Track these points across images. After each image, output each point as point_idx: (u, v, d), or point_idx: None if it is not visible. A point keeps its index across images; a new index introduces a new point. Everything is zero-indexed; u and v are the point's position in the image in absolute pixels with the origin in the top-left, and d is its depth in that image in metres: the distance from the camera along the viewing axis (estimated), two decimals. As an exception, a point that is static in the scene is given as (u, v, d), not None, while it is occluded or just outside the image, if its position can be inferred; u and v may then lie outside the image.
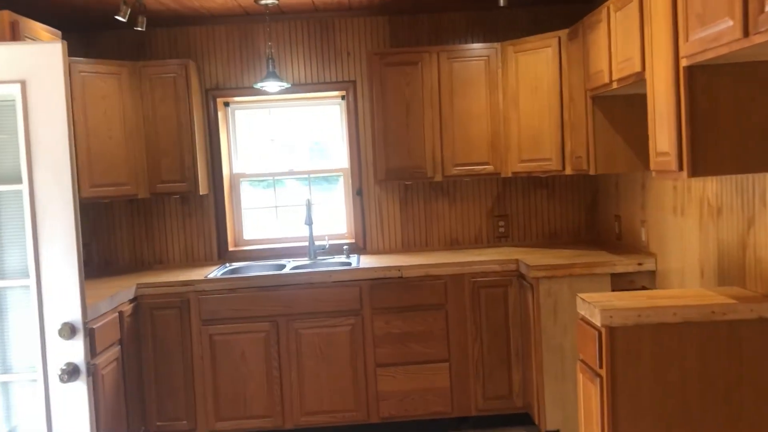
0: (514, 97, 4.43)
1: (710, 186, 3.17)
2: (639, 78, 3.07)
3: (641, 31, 2.99)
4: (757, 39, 1.94)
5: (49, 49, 2.56)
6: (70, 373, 2.56)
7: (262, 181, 5.07)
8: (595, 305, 2.76)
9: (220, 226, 4.86)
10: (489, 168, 4.52)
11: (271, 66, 4.41)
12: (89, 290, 3.94)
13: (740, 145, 2.48)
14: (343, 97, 4.90)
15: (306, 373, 4.23)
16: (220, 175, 4.84)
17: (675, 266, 3.62)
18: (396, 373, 4.25)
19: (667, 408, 2.66)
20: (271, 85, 4.43)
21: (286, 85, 4.49)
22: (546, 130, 4.26)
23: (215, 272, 4.46)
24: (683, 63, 2.49)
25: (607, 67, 3.46)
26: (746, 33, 1.99)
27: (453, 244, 4.91)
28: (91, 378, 2.62)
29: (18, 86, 2.55)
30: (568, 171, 4.20)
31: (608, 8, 3.42)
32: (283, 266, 4.62)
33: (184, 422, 4.20)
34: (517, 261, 4.23)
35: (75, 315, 2.60)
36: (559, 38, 4.17)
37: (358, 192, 4.88)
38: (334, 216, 5.05)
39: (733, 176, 2.94)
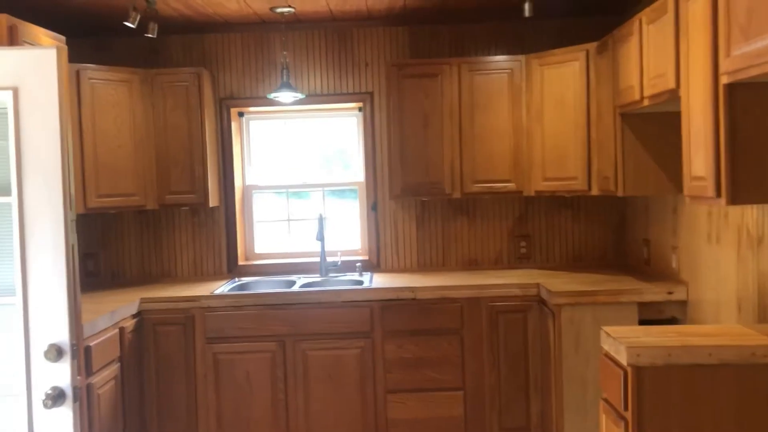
0: (538, 112, 4.22)
1: (750, 213, 2.93)
2: (673, 95, 2.86)
3: (676, 45, 2.78)
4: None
5: (42, 54, 2.42)
6: (55, 398, 2.41)
7: (278, 193, 4.91)
8: (621, 341, 2.53)
9: (231, 239, 4.70)
10: (511, 186, 4.31)
11: (285, 76, 4.26)
12: (92, 304, 3.83)
13: (785, 171, 2.26)
14: (360, 109, 4.73)
15: (313, 396, 4.04)
16: (231, 186, 4.69)
17: (709, 297, 3.37)
18: (407, 400, 4.04)
19: (699, 458, 2.43)
20: (285, 96, 4.27)
21: (300, 95, 4.33)
22: (572, 147, 4.05)
23: (223, 287, 4.30)
24: (723, 80, 2.27)
25: (638, 83, 3.25)
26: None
27: (471, 264, 4.70)
28: (77, 404, 2.47)
29: (9, 93, 2.42)
30: (595, 191, 3.98)
31: (640, 20, 3.21)
32: (293, 283, 4.45)
33: (186, 444, 4.04)
34: (538, 285, 4.01)
35: (63, 336, 2.46)
36: (587, 51, 3.96)
37: (373, 207, 4.70)
38: (347, 231, 4.87)
39: (775, 204, 2.71)
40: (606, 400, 2.72)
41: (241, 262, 4.74)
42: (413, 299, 4.03)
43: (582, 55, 3.98)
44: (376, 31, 4.63)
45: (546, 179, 4.21)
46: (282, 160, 4.91)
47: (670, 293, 3.65)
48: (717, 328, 2.80)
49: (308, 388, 4.04)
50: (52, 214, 2.43)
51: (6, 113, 2.41)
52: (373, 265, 4.71)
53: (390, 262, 4.71)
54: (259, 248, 4.88)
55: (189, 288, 4.32)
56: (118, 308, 3.75)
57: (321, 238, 4.51)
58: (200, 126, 4.32)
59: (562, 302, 3.69)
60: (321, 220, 4.51)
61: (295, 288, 4.30)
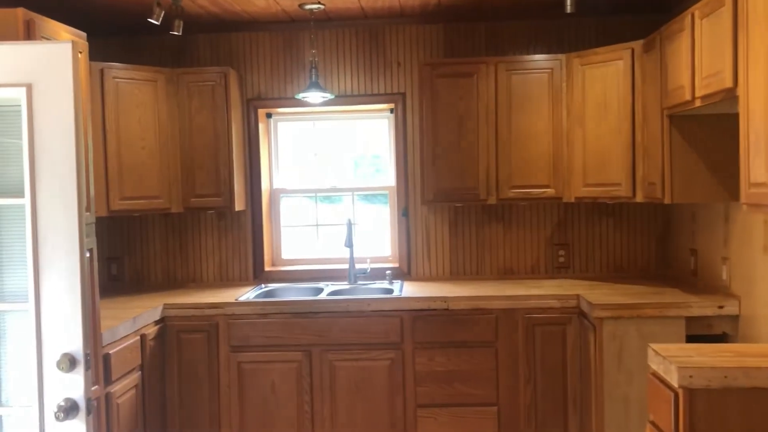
0: (579, 114, 4.01)
1: (813, 223, 2.70)
2: (729, 95, 2.65)
3: (734, 40, 2.57)
4: None
5: (57, 48, 2.30)
6: (68, 410, 2.29)
7: (306, 197, 4.77)
8: (672, 360, 2.33)
9: (257, 244, 4.57)
10: (549, 192, 4.11)
11: (314, 76, 4.12)
12: (114, 309, 3.73)
13: None
14: (391, 110, 4.57)
15: (339, 409, 3.88)
16: (258, 190, 4.56)
17: (764, 313, 3.13)
18: (438, 415, 3.86)
19: (760, 492, 2.21)
20: (314, 96, 4.13)
21: (329, 96, 4.18)
22: (615, 151, 3.83)
23: (248, 294, 4.16)
24: (791, 77, 2.06)
25: (689, 83, 3.03)
26: None
27: (507, 273, 4.49)
28: (91, 417, 2.34)
29: (23, 90, 2.30)
30: (639, 198, 3.76)
31: (692, 15, 3.00)
32: (320, 290, 4.30)
33: (208, 456, 3.91)
34: (578, 297, 3.80)
35: (76, 345, 2.33)
36: (633, 50, 3.75)
37: (404, 213, 4.52)
38: (377, 237, 4.70)
39: None
40: (653, 423, 2.52)
41: (267, 268, 4.60)
42: (446, 309, 3.85)
43: (627, 53, 3.77)
44: (408, 29, 4.46)
45: (587, 185, 4.00)
46: (310, 164, 4.77)
47: (720, 307, 3.41)
48: (778, 348, 2.58)
49: (335, 401, 3.88)
50: (66, 217, 2.31)
51: (19, 111, 2.31)
52: (403, 273, 4.53)
53: (421, 270, 4.53)
54: (286, 254, 4.74)
55: (214, 294, 4.20)
56: (141, 314, 3.64)
57: (350, 244, 4.36)
58: (227, 127, 4.20)
59: (603, 315, 3.47)
60: (350, 225, 4.36)
61: (323, 296, 4.14)
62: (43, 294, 2.31)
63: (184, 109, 4.20)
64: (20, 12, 2.60)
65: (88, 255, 2.87)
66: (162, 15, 3.50)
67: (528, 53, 4.37)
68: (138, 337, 3.58)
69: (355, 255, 4.43)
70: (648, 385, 2.57)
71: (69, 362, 2.30)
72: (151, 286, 4.57)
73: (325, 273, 4.56)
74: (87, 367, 2.33)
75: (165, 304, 3.92)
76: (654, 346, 2.54)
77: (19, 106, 2.30)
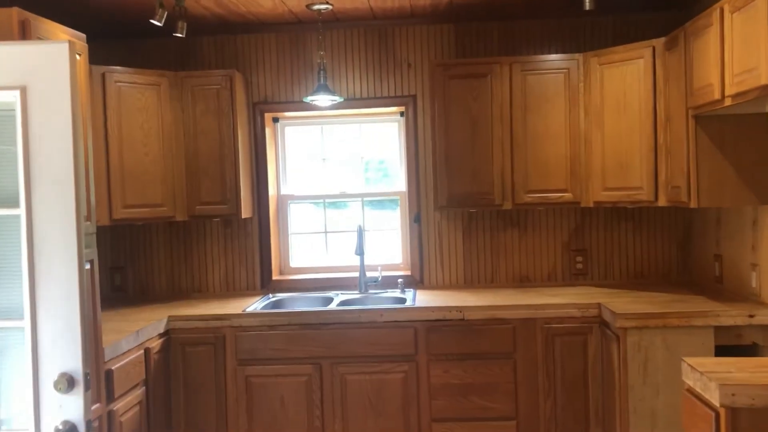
0: (597, 115, 3.86)
1: None
2: (764, 93, 2.49)
3: (770, 34, 2.42)
4: None
5: (53, 49, 2.16)
6: (66, 435, 2.14)
7: (314, 203, 4.63)
8: (711, 377, 2.18)
9: (264, 252, 4.42)
10: (567, 196, 3.96)
11: (322, 78, 3.97)
12: (117, 322, 3.59)
13: None
14: (402, 113, 4.42)
15: (351, 424, 3.73)
16: (265, 196, 4.42)
17: (799, 322, 2.98)
18: (454, 430, 3.71)
19: None
20: (322, 99, 3.98)
21: (338, 99, 4.04)
22: (636, 154, 3.68)
23: (256, 305, 4.02)
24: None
25: (719, 81, 2.88)
26: None
27: (523, 281, 4.34)
28: (91, 441, 2.20)
29: (17, 93, 2.17)
30: (662, 202, 3.61)
31: (721, 10, 2.85)
32: (330, 300, 4.15)
33: (215, 474, 3.76)
34: (599, 305, 3.64)
35: (75, 363, 2.20)
36: (654, 48, 3.60)
37: (416, 219, 4.38)
38: (388, 244, 4.55)
39: None
40: (690, 444, 2.36)
41: (275, 277, 4.45)
42: (461, 320, 3.70)
43: (647, 51, 3.62)
44: (419, 30, 4.32)
45: (606, 189, 3.84)
46: (319, 169, 4.62)
47: (751, 316, 3.25)
48: (823, 362, 2.42)
49: (347, 415, 3.73)
50: (64, 228, 2.18)
51: (13, 116, 2.17)
52: (415, 281, 4.38)
53: (434, 278, 4.38)
54: (294, 262, 4.60)
55: (220, 305, 4.05)
56: (145, 327, 3.49)
57: (360, 251, 4.21)
58: (232, 132, 4.06)
59: (627, 325, 3.31)
60: (360, 232, 4.21)
61: (333, 306, 4.00)
62: (40, 310, 2.18)
63: (188, 113, 4.06)
64: (15, 12, 2.47)
65: (88, 267, 2.74)
66: (165, 16, 3.37)
67: (542, 53, 4.22)
68: (142, 351, 3.44)
69: (365, 263, 4.28)
70: (683, 403, 2.42)
71: (67, 382, 2.17)
72: (156, 296, 4.43)
73: (334, 282, 4.41)
74: (87, 388, 2.20)
75: (170, 316, 3.78)
76: (688, 360, 2.39)
77: (13, 111, 2.17)
